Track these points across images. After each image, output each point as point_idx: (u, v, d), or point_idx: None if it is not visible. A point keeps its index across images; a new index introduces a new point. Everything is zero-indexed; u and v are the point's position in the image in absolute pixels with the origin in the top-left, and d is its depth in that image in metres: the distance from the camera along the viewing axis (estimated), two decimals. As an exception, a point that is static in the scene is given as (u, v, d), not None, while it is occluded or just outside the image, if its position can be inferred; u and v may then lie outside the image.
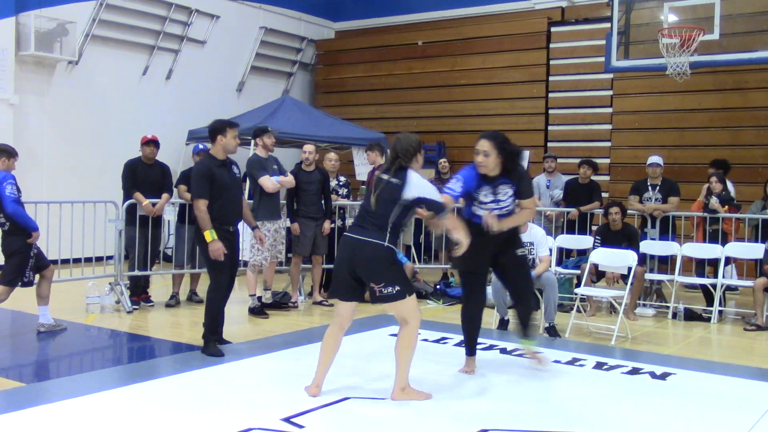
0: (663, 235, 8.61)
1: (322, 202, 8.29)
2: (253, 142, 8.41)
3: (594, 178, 9.47)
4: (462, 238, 4.70)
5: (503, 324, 7.15)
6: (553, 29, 13.08)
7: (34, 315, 6.77)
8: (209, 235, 5.68)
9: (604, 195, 11.02)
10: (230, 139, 5.89)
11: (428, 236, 10.16)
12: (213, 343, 5.86)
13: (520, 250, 5.39)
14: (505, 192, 5.13)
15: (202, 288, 6.89)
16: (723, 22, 8.83)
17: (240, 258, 9.09)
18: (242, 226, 6.63)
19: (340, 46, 15.81)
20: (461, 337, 6.52)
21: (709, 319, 7.94)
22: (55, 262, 7.38)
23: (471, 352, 5.47)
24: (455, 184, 5.08)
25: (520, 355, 6.05)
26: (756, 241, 8.20)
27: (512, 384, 5.20)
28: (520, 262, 5.40)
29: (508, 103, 13.31)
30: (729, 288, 8.79)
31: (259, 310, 7.59)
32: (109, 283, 7.82)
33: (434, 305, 8.67)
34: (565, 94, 12.88)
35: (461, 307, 5.50)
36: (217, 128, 5.93)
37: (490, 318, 7.05)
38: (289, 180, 7.86)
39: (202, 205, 5.73)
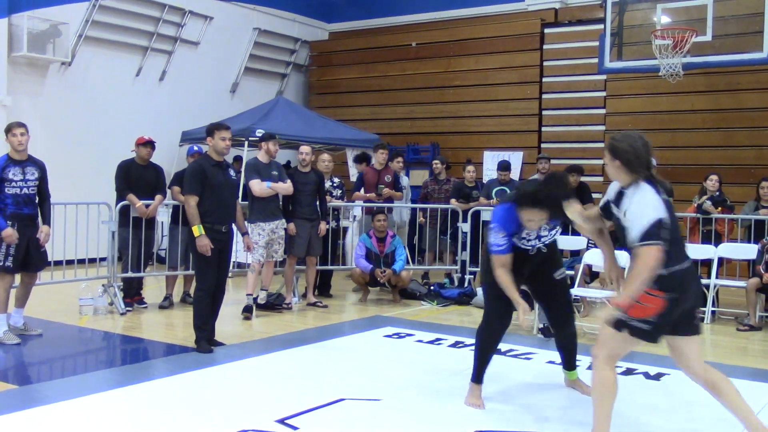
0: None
1: (317, 203, 8.30)
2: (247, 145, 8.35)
3: (586, 179, 9.48)
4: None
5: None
6: (546, 30, 13.10)
7: (26, 317, 6.72)
8: (197, 229, 5.90)
9: (598, 196, 11.04)
10: (217, 140, 6.12)
11: (422, 238, 10.16)
12: (201, 341, 6.02)
13: (559, 272, 4.83)
14: (545, 227, 4.58)
15: (196, 289, 6.88)
16: (715, 24, 8.88)
17: (234, 260, 9.17)
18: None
19: (333, 47, 15.80)
20: (456, 338, 6.56)
21: (702, 320, 7.96)
22: (48, 263, 7.35)
23: (480, 379, 4.77)
24: (500, 238, 4.46)
25: (515, 356, 6.06)
26: (748, 241, 8.23)
27: (507, 385, 5.20)
28: (560, 285, 4.88)
29: (502, 105, 13.33)
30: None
31: (246, 309, 7.58)
32: (103, 285, 7.79)
33: (428, 306, 8.67)
34: (558, 95, 12.90)
35: (481, 328, 4.77)
36: (208, 130, 6.24)
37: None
38: (285, 186, 7.83)
39: (191, 201, 5.98)
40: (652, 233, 3.54)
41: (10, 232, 6.14)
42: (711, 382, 3.77)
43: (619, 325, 3.69)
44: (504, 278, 4.50)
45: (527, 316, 4.47)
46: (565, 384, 5.18)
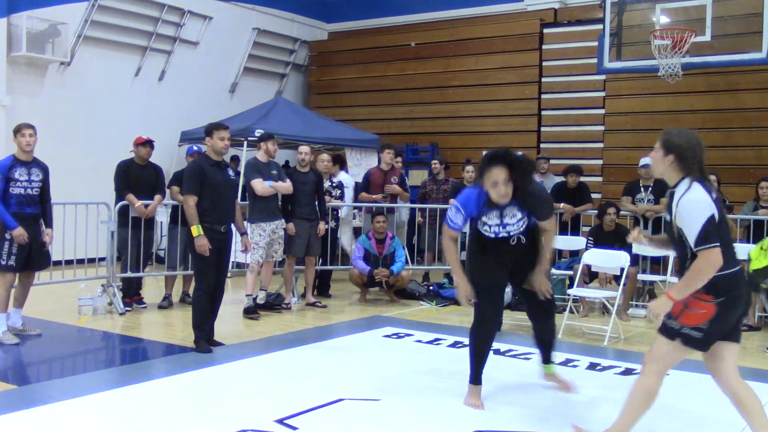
0: (655, 236, 8.64)
1: (316, 203, 8.29)
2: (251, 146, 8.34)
3: (585, 179, 9.48)
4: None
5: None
6: (545, 30, 13.10)
7: (25, 317, 6.71)
8: (195, 229, 5.91)
9: (597, 196, 11.06)
10: (216, 140, 6.13)
11: (421, 238, 10.15)
12: (200, 341, 6.03)
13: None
14: (513, 214, 4.55)
15: (195, 289, 6.88)
16: (714, 24, 8.88)
17: (233, 260, 9.17)
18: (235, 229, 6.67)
19: (333, 47, 15.80)
20: (455, 338, 6.56)
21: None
22: (50, 263, 7.34)
23: (479, 380, 4.76)
24: (456, 216, 4.57)
25: (513, 356, 6.06)
26: (747, 241, 8.22)
27: (506, 385, 5.20)
28: None
29: (501, 105, 13.33)
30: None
31: (251, 311, 7.58)
32: (102, 285, 7.79)
33: (427, 306, 8.67)
34: (557, 96, 12.91)
35: (474, 328, 4.71)
36: (207, 130, 6.25)
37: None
38: (286, 186, 7.82)
39: (190, 201, 5.99)
40: (708, 235, 3.43)
41: (21, 232, 6.18)
42: (737, 393, 3.70)
43: (672, 334, 3.61)
44: (450, 252, 4.71)
45: (464, 297, 4.64)
46: (540, 378, 5.12)
